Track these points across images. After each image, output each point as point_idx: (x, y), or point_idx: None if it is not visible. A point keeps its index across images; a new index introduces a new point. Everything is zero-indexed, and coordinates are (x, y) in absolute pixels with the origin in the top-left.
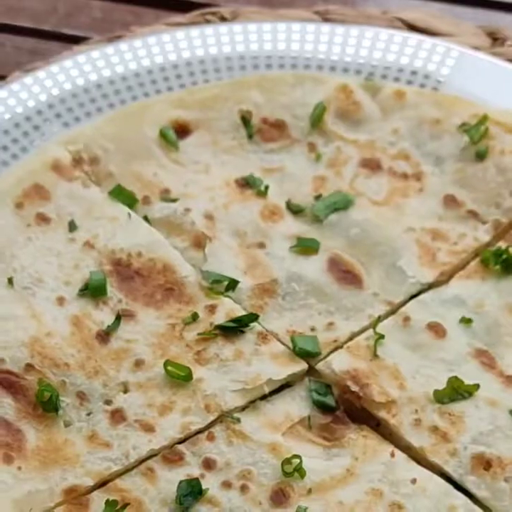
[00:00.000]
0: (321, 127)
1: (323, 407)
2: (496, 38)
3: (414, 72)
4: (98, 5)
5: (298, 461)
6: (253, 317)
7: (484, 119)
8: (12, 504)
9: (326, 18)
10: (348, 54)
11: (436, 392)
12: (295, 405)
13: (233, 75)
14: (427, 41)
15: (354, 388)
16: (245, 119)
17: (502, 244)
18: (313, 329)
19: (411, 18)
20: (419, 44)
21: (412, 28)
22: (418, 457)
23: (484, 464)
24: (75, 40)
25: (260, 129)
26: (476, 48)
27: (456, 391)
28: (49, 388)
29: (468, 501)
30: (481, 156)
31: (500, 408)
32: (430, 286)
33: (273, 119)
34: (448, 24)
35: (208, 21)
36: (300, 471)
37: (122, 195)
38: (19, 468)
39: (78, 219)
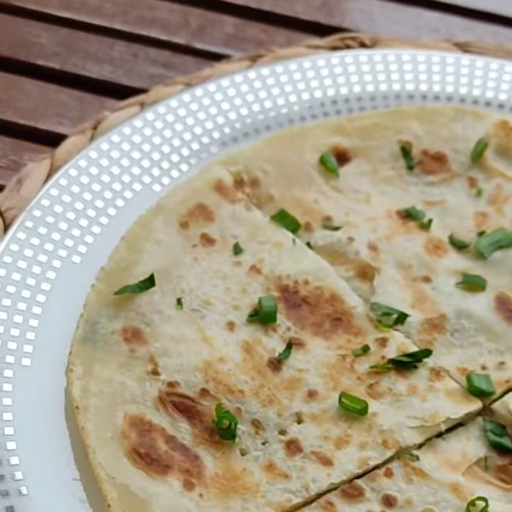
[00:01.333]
0: (481, 163)
1: (499, 448)
2: None
3: None
4: (230, 21)
5: (483, 503)
6: (427, 353)
7: None
8: None
9: (465, 49)
10: (504, 90)
11: None
12: (470, 445)
13: (388, 105)
14: None
15: None
16: (405, 150)
17: None
18: (484, 368)
19: None
20: None
21: None
22: None
23: None
24: (208, 56)
25: (420, 161)
26: None
27: None
28: (228, 416)
29: None
30: None
31: None
32: None
33: (433, 151)
34: None
35: (347, 46)
36: None
37: (286, 221)
38: (201, 495)
39: (242, 242)
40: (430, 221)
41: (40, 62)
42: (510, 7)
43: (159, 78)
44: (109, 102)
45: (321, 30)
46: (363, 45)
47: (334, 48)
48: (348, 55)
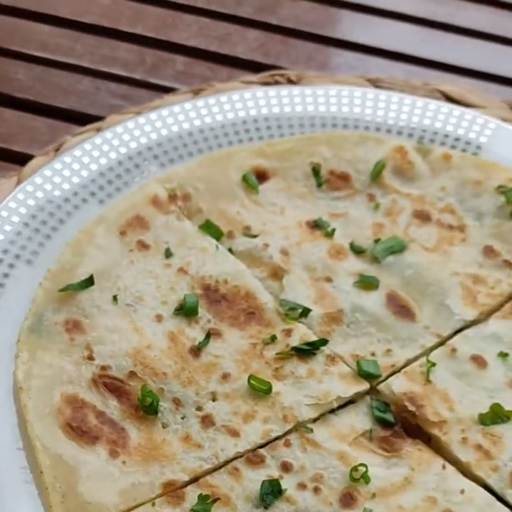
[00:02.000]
0: (379, 181)
1: (383, 422)
2: None
3: (457, 139)
4: (181, 59)
5: (364, 469)
6: (324, 342)
7: None
8: (119, 493)
9: (377, 85)
10: (403, 119)
11: (480, 415)
12: (358, 420)
13: (304, 131)
14: (469, 113)
15: (411, 408)
16: (315, 170)
17: None
18: (373, 354)
19: (448, 91)
20: (462, 115)
21: (449, 99)
22: (465, 471)
23: None
24: (161, 89)
25: (328, 179)
26: (505, 120)
27: (497, 415)
28: (151, 395)
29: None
30: None
31: None
32: (472, 323)
33: (339, 171)
34: (478, 97)
35: (276, 82)
36: (365, 477)
37: (211, 229)
38: (124, 462)
39: (173, 247)
40: (334, 230)
41: (17, 94)
42: (419, 47)
43: (118, 108)
44: (74, 128)
45: (258, 67)
46: (289, 80)
47: (265, 83)
48: (271, 90)
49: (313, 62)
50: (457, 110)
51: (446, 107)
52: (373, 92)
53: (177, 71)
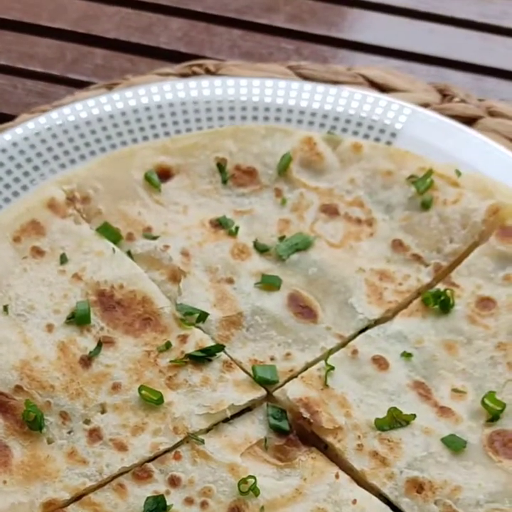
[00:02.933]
0: (286, 175)
1: (278, 431)
2: (445, 95)
3: (370, 127)
4: (101, 53)
5: (253, 481)
6: (219, 347)
7: (429, 172)
8: None
9: (298, 72)
10: (314, 109)
11: (377, 420)
12: (254, 428)
13: (212, 125)
14: (383, 99)
15: (306, 415)
16: (220, 166)
17: (441, 287)
18: (272, 359)
19: (372, 75)
20: (376, 101)
21: (373, 83)
22: (359, 479)
23: (417, 487)
24: (80, 85)
25: (233, 175)
26: (427, 104)
27: (395, 420)
28: (34, 409)
29: None
30: (426, 206)
31: (433, 436)
32: (376, 322)
33: (245, 166)
34: (404, 81)
35: (194, 73)
36: (254, 490)
37: (108, 232)
38: (4, 482)
39: (69, 253)
40: (237, 228)
41: None
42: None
43: (33, 106)
44: None
45: (180, 58)
46: (208, 71)
47: (183, 75)
48: (179, 82)
49: (238, 50)
50: (371, 96)
51: (359, 93)
52: (285, 82)
53: (96, 65)
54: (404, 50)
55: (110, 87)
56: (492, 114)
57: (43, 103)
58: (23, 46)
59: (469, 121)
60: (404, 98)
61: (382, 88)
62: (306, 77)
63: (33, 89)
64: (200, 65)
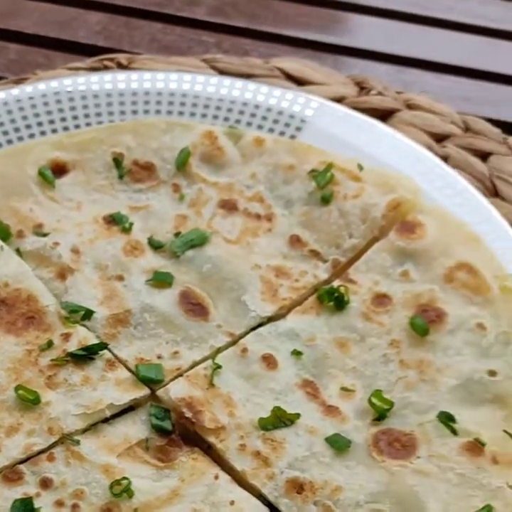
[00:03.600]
0: (185, 170)
1: (160, 431)
2: (362, 87)
3: (276, 121)
4: (14, 48)
5: (127, 482)
6: (102, 345)
7: (330, 166)
8: None
9: (213, 65)
10: (219, 102)
11: (260, 419)
12: (136, 428)
13: (114, 120)
14: (290, 92)
15: (188, 414)
16: (117, 161)
17: (336, 283)
18: (159, 357)
19: (288, 68)
20: (283, 94)
21: (289, 76)
22: (240, 480)
23: (297, 487)
24: None
25: (130, 170)
26: (344, 97)
27: (279, 419)
28: None
29: None
30: (326, 200)
31: (317, 436)
32: (270, 320)
33: (143, 161)
34: (321, 74)
35: (106, 67)
36: (128, 491)
37: None
38: None
39: None
40: (131, 224)
41: None
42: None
43: None
44: None
45: (99, 52)
46: (120, 65)
47: (93, 69)
48: (80, 76)
49: (158, 43)
50: (278, 90)
51: (265, 86)
52: (190, 76)
53: (9, 60)
54: (328, 43)
55: (19, 82)
56: (410, 106)
57: None
58: None
59: (386, 114)
60: (320, 91)
61: (299, 81)
62: (221, 71)
63: None
64: (111, 59)
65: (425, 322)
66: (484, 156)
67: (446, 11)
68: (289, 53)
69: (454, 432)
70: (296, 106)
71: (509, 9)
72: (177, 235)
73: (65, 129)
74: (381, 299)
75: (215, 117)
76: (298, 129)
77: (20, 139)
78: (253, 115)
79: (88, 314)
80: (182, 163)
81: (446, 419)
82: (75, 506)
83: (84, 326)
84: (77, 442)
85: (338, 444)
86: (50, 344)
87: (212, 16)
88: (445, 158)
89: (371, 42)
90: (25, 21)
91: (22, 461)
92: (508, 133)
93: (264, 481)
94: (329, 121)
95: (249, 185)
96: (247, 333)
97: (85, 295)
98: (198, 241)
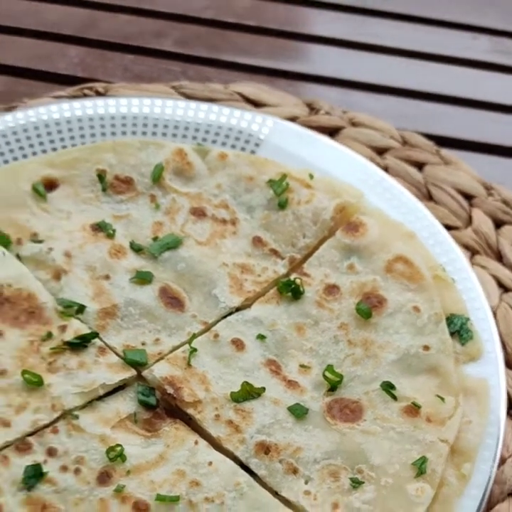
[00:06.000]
0: (160, 183)
1: (146, 406)
2: (312, 108)
3: (237, 138)
4: (2, 79)
5: (120, 449)
6: (94, 335)
7: (284, 176)
8: None
9: (180, 91)
10: (187, 123)
11: (232, 393)
12: (125, 404)
13: (95, 140)
14: (248, 113)
15: (170, 391)
16: (101, 176)
17: (293, 276)
18: (143, 344)
19: (246, 92)
20: (242, 115)
21: (247, 99)
22: (216, 445)
23: (265, 449)
24: None
25: (112, 184)
26: (296, 117)
27: (248, 393)
28: None
29: (251, 478)
30: (282, 206)
31: (281, 406)
32: (237, 310)
33: (123, 176)
34: (275, 96)
35: (85, 95)
36: (121, 456)
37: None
38: None
39: None
40: (114, 231)
41: None
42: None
43: None
44: None
45: (77, 82)
46: (97, 93)
47: (74, 97)
48: (64, 103)
49: (130, 73)
50: (238, 111)
51: (227, 108)
52: (161, 100)
53: None
54: (280, 69)
55: (9, 109)
56: (354, 124)
57: None
58: None
59: (333, 131)
60: (274, 112)
61: (256, 103)
62: (187, 96)
63: None
64: (90, 88)
65: (369, 307)
66: (420, 165)
67: (383, 38)
68: (246, 79)
69: (395, 397)
70: (254, 125)
71: (430, 33)
72: (155, 239)
73: (54, 149)
74: (331, 289)
75: (184, 136)
76: (256, 145)
77: (15, 158)
78: (217, 134)
79: (81, 309)
80: (157, 177)
81: (388, 388)
82: (77, 470)
83: (77, 318)
84: (77, 417)
85: (298, 412)
86: (49, 335)
87: (178, 47)
88: (386, 169)
89: (320, 68)
90: (8, 54)
91: (30, 434)
92: (440, 145)
93: (236, 445)
94: (283, 137)
95: (216, 194)
96: (218, 321)
97: (78, 292)
98: (173, 244)
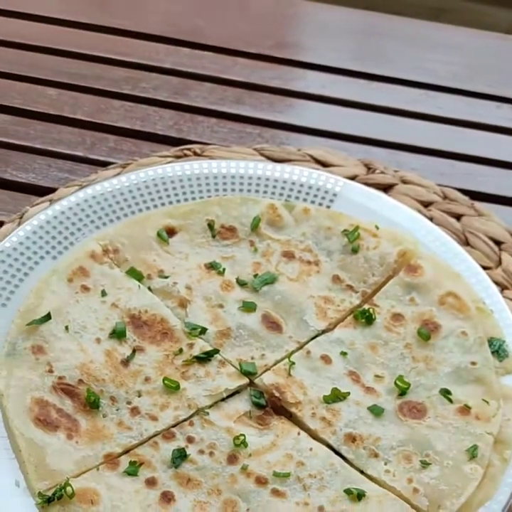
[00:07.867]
0: (257, 231)
1: (258, 406)
2: (369, 168)
3: (315, 195)
4: (112, 138)
5: (243, 437)
6: (215, 351)
7: (357, 227)
8: (74, 463)
9: (261, 152)
10: (275, 182)
11: (324, 396)
12: (242, 404)
13: (203, 196)
14: (324, 174)
15: (276, 394)
16: (210, 225)
17: (366, 306)
18: (252, 358)
19: (315, 154)
20: (319, 176)
21: (316, 160)
22: (314, 435)
23: (352, 439)
24: (98, 163)
25: (220, 232)
26: (356, 175)
27: (337, 396)
28: (93, 394)
29: (342, 460)
30: (355, 251)
31: (362, 406)
32: (323, 332)
33: (228, 225)
34: (338, 158)
35: (185, 155)
36: (244, 443)
37: (134, 274)
38: (77, 442)
39: (107, 289)
40: (224, 269)
41: None
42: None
43: (65, 180)
44: (33, 198)
45: (173, 141)
46: (195, 153)
47: (177, 156)
48: (177, 165)
49: (215, 134)
50: (315, 173)
51: (307, 170)
52: (253, 163)
53: (110, 148)
54: (339, 133)
55: (124, 166)
56: (404, 181)
57: (72, 178)
58: (52, 133)
59: (387, 187)
60: (339, 171)
61: (324, 164)
62: (267, 156)
63: (63, 167)
64: (189, 149)
65: (428, 331)
66: (458, 217)
67: (423, 107)
68: (315, 142)
69: (450, 401)
70: (329, 184)
71: (460, 102)
72: (255, 276)
73: (170, 203)
74: (397, 317)
75: (273, 193)
76: (331, 201)
77: (140, 210)
78: (299, 191)
79: (203, 330)
80: (255, 226)
81: (445, 393)
82: (211, 453)
83: (201, 338)
84: (207, 413)
85: (376, 411)
86: (180, 351)
87: (254, 112)
88: (431, 219)
89: (372, 132)
90: (114, 117)
91: (173, 426)
92: (473, 199)
93: (329, 436)
94: (352, 194)
95: (302, 241)
96: (309, 341)
97: (199, 318)
98: (270, 280)
